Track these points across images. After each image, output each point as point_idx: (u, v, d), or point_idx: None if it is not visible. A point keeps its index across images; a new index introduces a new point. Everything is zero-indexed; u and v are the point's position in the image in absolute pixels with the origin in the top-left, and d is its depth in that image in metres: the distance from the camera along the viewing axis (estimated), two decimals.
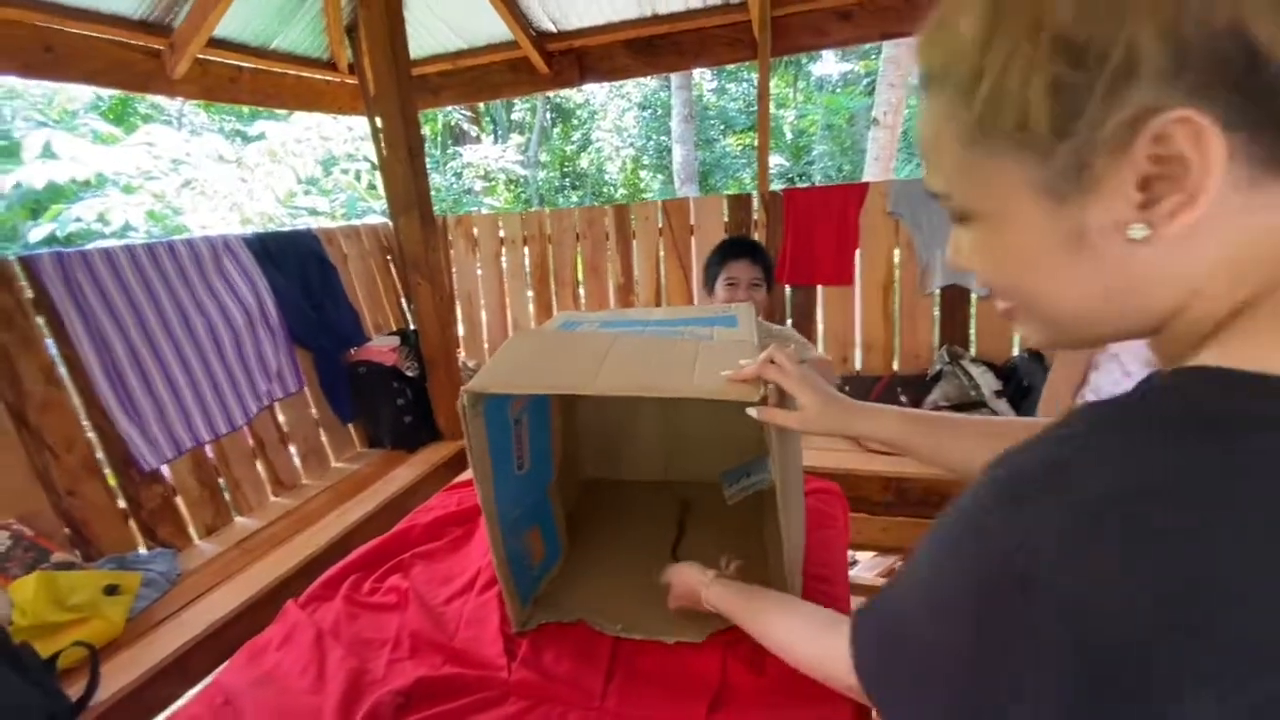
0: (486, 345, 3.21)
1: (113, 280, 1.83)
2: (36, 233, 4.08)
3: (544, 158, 11.77)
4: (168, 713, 1.40)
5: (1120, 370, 1.25)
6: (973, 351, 2.38)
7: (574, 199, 11.66)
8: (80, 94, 5.09)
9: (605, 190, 11.98)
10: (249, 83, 2.65)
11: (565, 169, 12.24)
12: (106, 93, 5.50)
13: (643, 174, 12.23)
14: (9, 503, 1.56)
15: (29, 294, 1.68)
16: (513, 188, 10.60)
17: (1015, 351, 2.33)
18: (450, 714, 0.80)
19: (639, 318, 1.23)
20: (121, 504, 1.81)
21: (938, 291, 2.40)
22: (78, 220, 4.06)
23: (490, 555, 1.12)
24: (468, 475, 1.59)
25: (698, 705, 0.78)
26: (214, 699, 0.86)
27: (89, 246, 1.91)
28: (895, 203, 2.40)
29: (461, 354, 3.16)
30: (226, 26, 2.39)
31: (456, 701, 0.82)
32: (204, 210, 4.55)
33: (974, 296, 2.36)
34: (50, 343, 1.71)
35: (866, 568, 3.11)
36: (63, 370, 1.72)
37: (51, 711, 1.23)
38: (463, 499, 1.37)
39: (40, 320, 1.69)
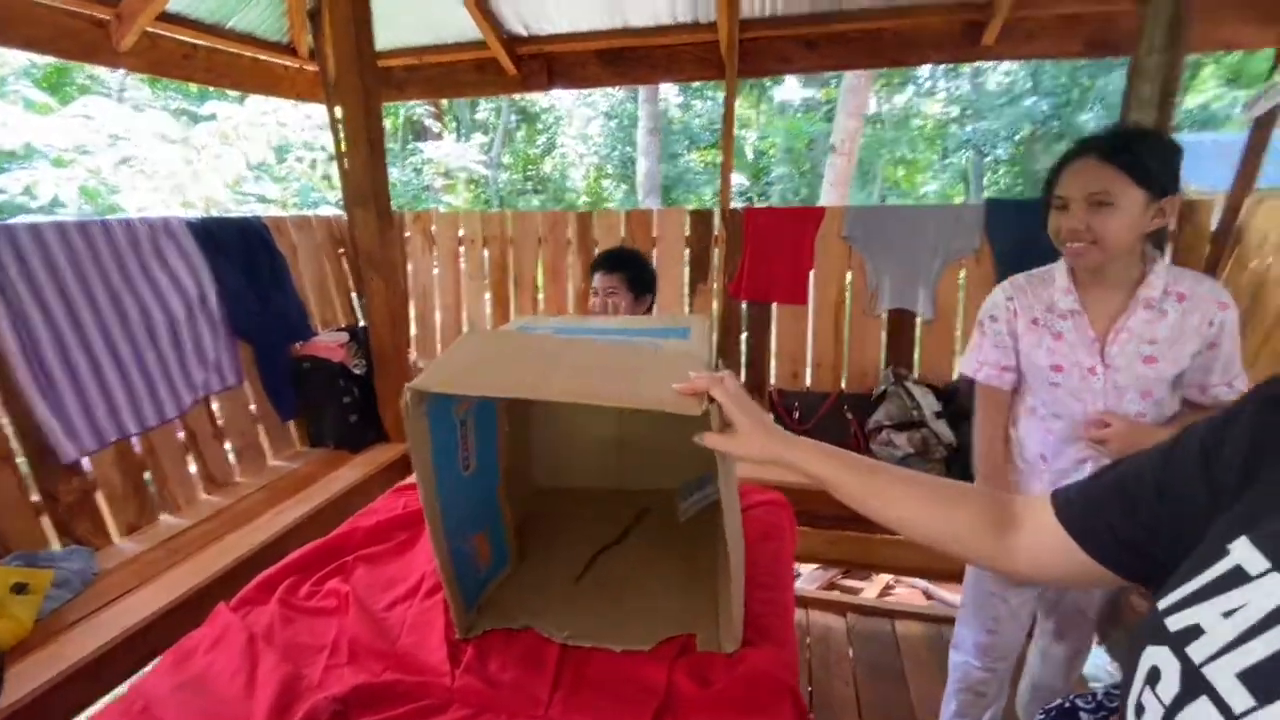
0: (440, 345, 3.15)
1: (39, 257, 1.71)
2: None
3: (506, 159, 11.67)
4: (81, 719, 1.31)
5: (1042, 429, 1.27)
6: (915, 373, 2.48)
7: (535, 203, 11.59)
8: (13, 58, 4.77)
9: (568, 196, 11.95)
10: (203, 61, 2.54)
11: (528, 172, 12.17)
12: (42, 59, 5.17)
13: (606, 183, 12.28)
14: None
15: None
16: (473, 187, 10.44)
17: (955, 375, 2.44)
18: None
19: (596, 325, 1.23)
20: (35, 497, 1.69)
21: (885, 314, 2.50)
22: (1, 192, 3.79)
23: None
24: (415, 478, 1.56)
25: (643, 713, 0.79)
26: (133, 704, 0.81)
27: (14, 220, 1.79)
28: (850, 228, 2.49)
29: (413, 354, 3.09)
30: (179, 0, 2.30)
31: (396, 709, 0.80)
32: (143, 190, 4.30)
33: (918, 320, 2.47)
34: None
35: (809, 580, 3.18)
36: None
37: None
38: (409, 502, 1.34)
39: None
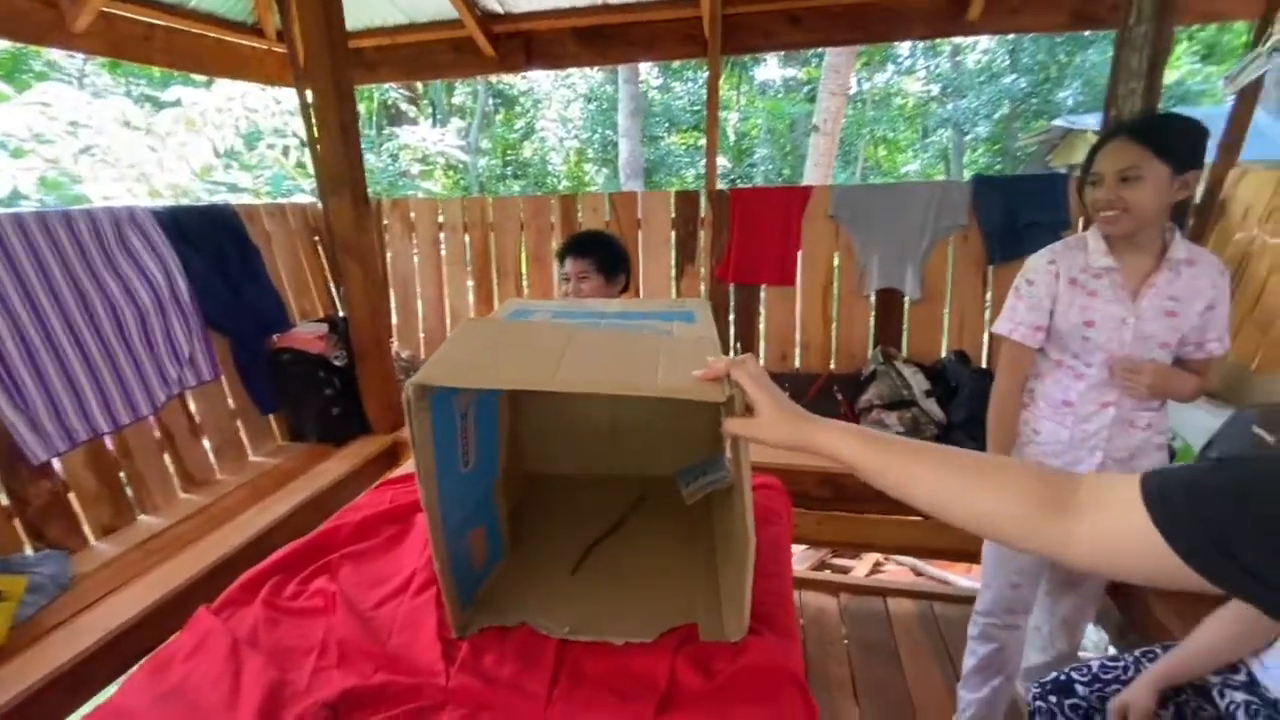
0: (422, 334, 3.09)
1: None
2: None
3: (485, 144, 11.47)
4: None
5: (1071, 374, 1.38)
6: (904, 352, 2.47)
7: (516, 188, 11.43)
8: None
9: (549, 181, 11.81)
10: (162, 41, 2.44)
11: (508, 157, 11.99)
12: None
13: (587, 167, 12.14)
14: None
15: None
16: (451, 174, 10.26)
17: (943, 354, 2.44)
18: None
19: (594, 309, 1.19)
20: (4, 501, 1.63)
21: (873, 294, 2.48)
22: None
23: (426, 555, 1.06)
24: (401, 471, 1.52)
25: (645, 707, 0.76)
26: None
27: None
28: (837, 207, 2.46)
29: (394, 343, 3.02)
30: None
31: (389, 711, 0.77)
32: (106, 180, 4.14)
33: (906, 300, 2.46)
34: None
35: (799, 560, 3.19)
36: None
37: None
38: (395, 496, 1.30)
39: None
